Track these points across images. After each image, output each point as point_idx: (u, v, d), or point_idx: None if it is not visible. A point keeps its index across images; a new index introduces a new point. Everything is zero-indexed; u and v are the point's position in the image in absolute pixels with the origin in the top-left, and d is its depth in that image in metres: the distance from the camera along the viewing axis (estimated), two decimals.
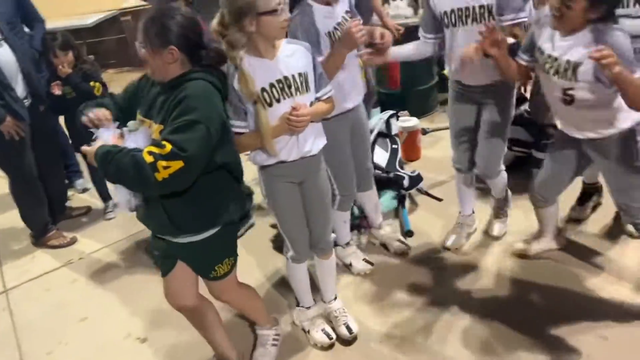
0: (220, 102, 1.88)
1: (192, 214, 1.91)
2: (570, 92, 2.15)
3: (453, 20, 2.44)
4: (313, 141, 2.15)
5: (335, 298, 2.59)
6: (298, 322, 2.60)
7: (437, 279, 2.81)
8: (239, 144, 2.01)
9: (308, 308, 2.55)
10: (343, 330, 2.48)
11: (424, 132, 4.27)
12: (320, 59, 2.20)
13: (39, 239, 3.67)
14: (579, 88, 2.12)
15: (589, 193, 3.08)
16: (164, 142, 1.70)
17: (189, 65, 1.86)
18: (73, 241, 3.68)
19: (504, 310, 2.53)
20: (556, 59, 2.14)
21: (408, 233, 3.13)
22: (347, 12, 2.45)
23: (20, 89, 3.32)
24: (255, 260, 3.13)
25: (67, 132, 3.89)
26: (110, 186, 1.93)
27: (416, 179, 3.42)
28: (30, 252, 3.65)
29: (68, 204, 4.04)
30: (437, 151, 4.09)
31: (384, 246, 3.09)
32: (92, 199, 4.17)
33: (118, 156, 1.73)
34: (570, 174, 2.50)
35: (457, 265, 2.88)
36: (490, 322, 2.46)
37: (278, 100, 2.00)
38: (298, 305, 2.60)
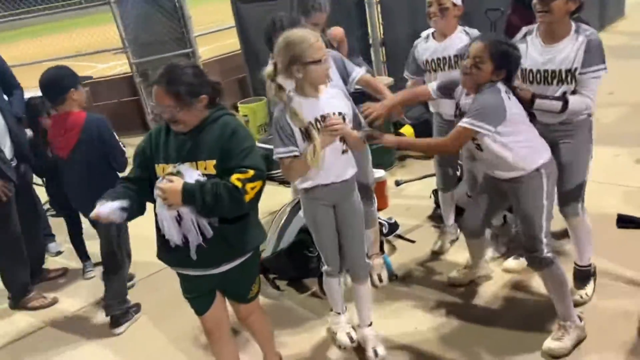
0: None
1: (246, 234, 2.15)
2: (476, 141, 2.39)
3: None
4: (345, 168, 2.48)
5: (370, 324, 2.79)
6: (330, 325, 2.92)
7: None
8: (291, 169, 2.34)
9: (339, 314, 2.88)
10: (370, 353, 2.73)
11: (397, 183, 4.68)
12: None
13: (19, 301, 3.60)
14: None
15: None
16: (244, 169, 1.98)
17: (208, 105, 2.09)
18: (54, 301, 3.64)
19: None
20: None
21: (393, 276, 3.34)
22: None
23: (8, 151, 3.37)
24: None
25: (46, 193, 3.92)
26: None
27: (394, 226, 3.71)
28: (7, 314, 3.59)
29: (43, 266, 3.99)
30: (402, 200, 4.43)
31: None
32: (66, 260, 4.16)
33: (212, 187, 1.96)
34: (491, 208, 2.72)
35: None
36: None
37: (319, 132, 2.32)
38: (332, 310, 2.92)
